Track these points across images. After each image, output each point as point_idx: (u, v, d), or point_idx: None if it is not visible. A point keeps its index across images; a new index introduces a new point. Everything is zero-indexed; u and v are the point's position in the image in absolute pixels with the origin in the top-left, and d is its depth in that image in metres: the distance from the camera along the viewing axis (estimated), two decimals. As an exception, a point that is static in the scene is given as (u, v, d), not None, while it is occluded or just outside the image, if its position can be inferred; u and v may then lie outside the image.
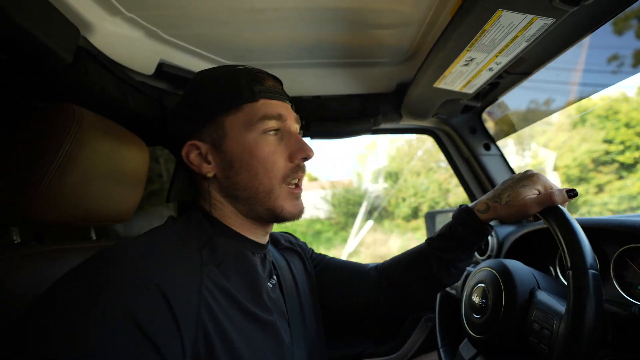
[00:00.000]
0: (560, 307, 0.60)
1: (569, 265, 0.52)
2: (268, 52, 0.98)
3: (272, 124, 0.58)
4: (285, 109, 0.60)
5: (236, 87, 0.57)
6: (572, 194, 0.62)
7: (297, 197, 0.61)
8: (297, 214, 0.60)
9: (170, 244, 0.48)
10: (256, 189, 0.56)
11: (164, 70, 0.93)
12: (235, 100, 0.57)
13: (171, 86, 1.02)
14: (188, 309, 0.42)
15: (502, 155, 1.35)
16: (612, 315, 0.60)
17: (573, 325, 0.49)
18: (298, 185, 0.61)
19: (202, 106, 0.58)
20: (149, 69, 0.92)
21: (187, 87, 0.63)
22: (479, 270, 0.84)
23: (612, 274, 0.79)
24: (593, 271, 0.51)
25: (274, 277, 0.64)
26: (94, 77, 0.77)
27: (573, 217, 0.58)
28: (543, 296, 0.66)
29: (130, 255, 0.43)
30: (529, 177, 0.65)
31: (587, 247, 0.53)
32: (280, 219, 0.59)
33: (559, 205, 0.60)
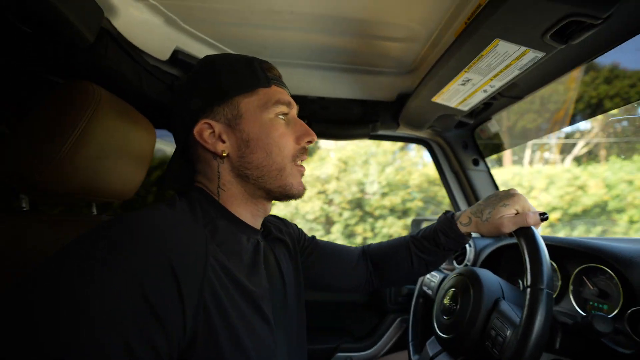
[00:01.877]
0: (516, 318, 0.67)
1: (528, 282, 0.59)
2: (281, 50, 1.03)
3: (284, 108, 0.62)
4: (290, 97, 0.65)
5: (253, 71, 0.61)
6: (544, 217, 0.67)
7: (302, 175, 0.66)
8: (303, 191, 0.65)
9: (180, 217, 0.49)
10: (269, 167, 0.60)
11: (178, 57, 0.97)
12: (252, 83, 0.60)
13: (183, 73, 1.06)
14: (192, 285, 0.42)
15: (489, 172, 1.43)
16: (562, 325, 0.67)
17: (522, 336, 0.55)
18: (302, 166, 0.66)
19: (218, 86, 0.60)
20: (164, 54, 0.96)
21: (196, 68, 0.64)
22: (454, 276, 0.91)
23: (570, 289, 0.87)
24: (547, 290, 0.57)
25: (265, 263, 0.66)
26: (113, 59, 0.80)
27: (542, 239, 0.63)
28: (504, 306, 0.72)
29: (144, 224, 0.43)
30: (510, 196, 0.70)
31: (548, 268, 0.59)
32: (289, 195, 0.63)
33: (532, 227, 0.65)
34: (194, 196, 0.60)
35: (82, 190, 0.72)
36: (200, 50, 1.00)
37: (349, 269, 0.88)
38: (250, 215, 0.64)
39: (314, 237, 0.92)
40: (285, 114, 0.63)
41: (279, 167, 0.60)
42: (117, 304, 0.36)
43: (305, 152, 0.65)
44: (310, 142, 0.64)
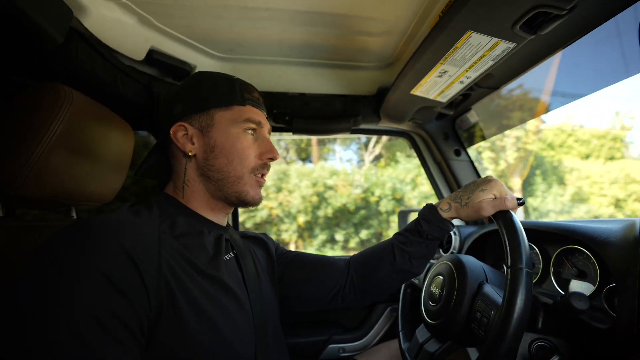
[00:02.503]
0: (499, 299, 0.69)
1: (508, 263, 0.60)
2: (257, 47, 1.02)
3: (252, 126, 0.70)
4: (263, 118, 0.73)
5: (232, 90, 0.69)
6: (520, 202, 0.71)
7: (260, 186, 0.72)
8: (258, 200, 0.71)
9: (128, 214, 0.56)
10: (228, 173, 0.67)
11: (154, 57, 0.95)
12: (229, 100, 0.69)
13: (160, 73, 1.04)
14: (150, 264, 0.49)
15: (471, 162, 1.46)
16: (544, 305, 0.69)
17: (504, 314, 0.57)
18: (263, 177, 0.73)
19: (200, 97, 0.68)
20: (140, 54, 0.94)
21: (187, 80, 0.73)
22: (440, 264, 0.93)
23: (551, 271, 0.90)
24: (526, 269, 0.58)
25: (231, 253, 0.71)
26: (84, 59, 0.78)
27: (519, 222, 0.65)
28: (488, 289, 0.75)
29: (97, 223, 0.49)
30: (487, 182, 0.74)
31: (526, 249, 0.61)
32: (244, 202, 0.70)
33: (510, 210, 0.68)
34: (152, 199, 0.66)
35: (59, 195, 0.70)
36: (176, 50, 0.99)
37: (327, 277, 0.86)
38: (210, 211, 0.70)
39: (289, 250, 0.94)
40: (254, 130, 0.70)
41: (238, 175, 0.68)
42: (82, 287, 0.42)
43: (265, 167, 0.72)
44: (271, 159, 0.72)
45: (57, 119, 0.65)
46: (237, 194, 0.68)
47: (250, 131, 0.70)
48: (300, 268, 0.87)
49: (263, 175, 0.73)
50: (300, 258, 0.89)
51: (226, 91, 0.69)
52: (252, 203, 0.71)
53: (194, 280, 0.55)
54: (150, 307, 0.47)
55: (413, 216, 1.70)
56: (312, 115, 1.25)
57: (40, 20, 0.64)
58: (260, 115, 0.72)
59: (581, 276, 0.84)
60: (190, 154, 0.67)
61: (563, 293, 0.78)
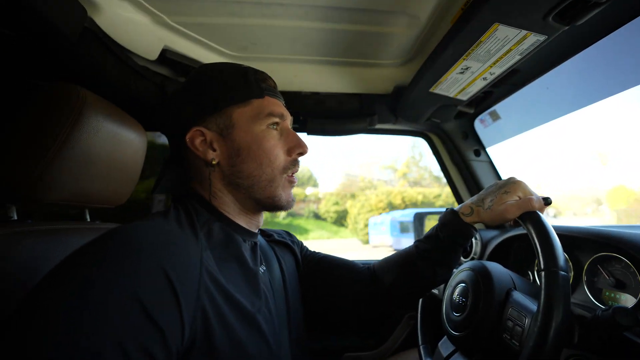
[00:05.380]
0: (532, 306, 0.64)
1: (541, 266, 0.56)
2: (271, 45, 1.00)
3: (276, 120, 0.62)
4: (284, 109, 0.66)
5: (245, 82, 0.62)
6: (548, 201, 0.66)
7: (292, 186, 0.66)
8: (291, 203, 0.65)
9: (174, 228, 0.50)
10: (259, 177, 0.60)
11: (167, 56, 0.94)
12: (245, 95, 0.61)
13: (173, 73, 1.03)
14: (189, 292, 0.43)
15: (491, 162, 1.40)
16: (579, 318, 0.64)
17: (543, 321, 0.52)
18: (293, 176, 0.66)
19: (210, 97, 0.61)
20: (153, 54, 0.93)
21: (190, 76, 0.65)
22: (461, 271, 0.88)
23: (584, 280, 0.84)
24: (563, 273, 0.54)
25: (263, 266, 0.66)
26: (98, 58, 0.78)
27: (548, 221, 0.61)
28: (518, 296, 0.70)
29: (138, 237, 0.43)
30: (510, 184, 0.69)
31: (560, 250, 0.56)
32: (277, 206, 0.63)
33: (537, 211, 0.64)
34: (191, 202, 0.60)
35: (71, 198, 0.69)
36: (189, 49, 0.97)
37: (352, 283, 0.81)
38: (243, 219, 0.64)
39: (315, 251, 0.90)
40: (277, 124, 0.63)
41: (269, 177, 0.61)
42: (113, 311, 0.37)
43: (296, 164, 0.65)
44: (301, 154, 0.65)
45: (71, 121, 0.64)
46: (269, 199, 0.62)
47: (274, 126, 0.62)
48: (326, 272, 0.83)
49: (293, 173, 0.66)
50: (327, 261, 0.85)
51: (241, 84, 0.61)
52: (285, 207, 0.64)
53: (230, 304, 0.49)
54: (183, 340, 0.42)
55: (429, 219, 1.66)
56: (326, 115, 1.22)
57: (54, 19, 0.63)
58: (280, 107, 0.64)
59: (619, 287, 0.78)
60: (213, 162, 0.60)
61: (603, 307, 0.72)
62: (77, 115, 0.64)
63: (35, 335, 0.35)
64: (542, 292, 0.54)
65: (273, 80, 0.68)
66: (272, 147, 0.61)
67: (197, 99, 0.61)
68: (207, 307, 0.45)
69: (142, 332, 0.38)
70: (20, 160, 0.62)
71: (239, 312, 0.50)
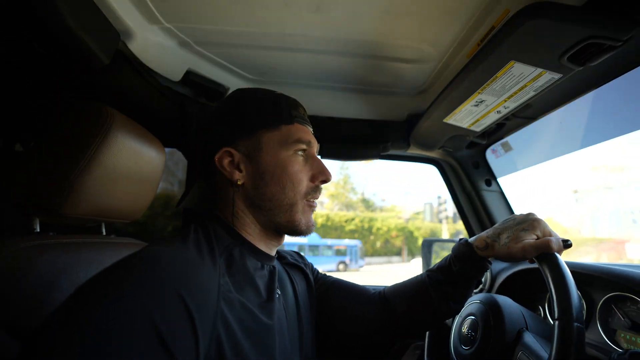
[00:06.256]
0: (544, 353, 0.62)
1: (556, 315, 0.54)
2: (291, 72, 1.03)
3: (303, 147, 0.64)
4: (312, 136, 0.67)
5: (278, 108, 0.64)
6: (567, 244, 0.63)
7: (313, 210, 0.66)
8: (311, 228, 0.65)
9: (194, 253, 0.50)
10: (281, 200, 0.61)
11: (190, 78, 0.98)
12: (276, 120, 0.63)
13: (194, 93, 1.07)
14: (206, 320, 0.43)
15: (502, 192, 1.39)
16: (593, 359, 0.62)
17: None
18: (314, 202, 0.66)
19: (244, 119, 0.63)
20: (177, 75, 0.97)
21: (227, 98, 0.68)
22: (471, 303, 0.87)
23: (597, 319, 0.82)
24: (578, 324, 0.52)
25: (278, 290, 0.66)
26: (126, 80, 0.81)
27: (567, 268, 0.59)
28: (529, 339, 0.68)
29: (158, 263, 0.44)
30: (530, 220, 0.66)
31: (576, 299, 0.54)
32: (297, 230, 0.63)
33: (555, 253, 0.61)
34: (209, 226, 0.60)
35: (93, 212, 0.71)
36: (211, 72, 1.01)
37: (363, 309, 0.80)
38: (264, 245, 0.64)
39: (326, 274, 0.89)
40: (304, 151, 0.65)
41: (291, 202, 0.62)
42: (129, 342, 0.36)
43: (318, 190, 0.66)
44: (324, 181, 0.66)
45: (97, 140, 0.66)
46: (289, 222, 0.62)
47: (300, 152, 0.64)
48: (338, 297, 0.82)
49: (314, 199, 0.66)
50: (338, 286, 0.84)
51: (272, 110, 0.63)
52: (304, 232, 0.64)
53: (244, 330, 0.49)
54: None
55: (437, 246, 1.64)
56: (341, 140, 1.24)
57: (90, 42, 0.67)
58: (309, 134, 0.66)
59: (635, 329, 0.76)
60: (238, 182, 0.61)
61: (618, 349, 0.70)
62: (104, 134, 0.67)
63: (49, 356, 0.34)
64: (555, 343, 0.52)
65: (304, 108, 0.69)
66: (297, 172, 0.62)
67: (231, 121, 0.63)
68: (222, 335, 0.45)
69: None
70: (47, 175, 0.64)
71: (253, 339, 0.50)
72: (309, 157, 0.66)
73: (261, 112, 0.63)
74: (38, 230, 0.69)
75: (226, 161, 0.61)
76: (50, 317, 0.38)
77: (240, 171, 0.61)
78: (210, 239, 0.56)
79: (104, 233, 0.84)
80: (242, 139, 0.62)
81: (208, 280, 0.47)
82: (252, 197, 0.62)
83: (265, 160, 0.61)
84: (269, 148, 0.62)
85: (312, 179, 0.64)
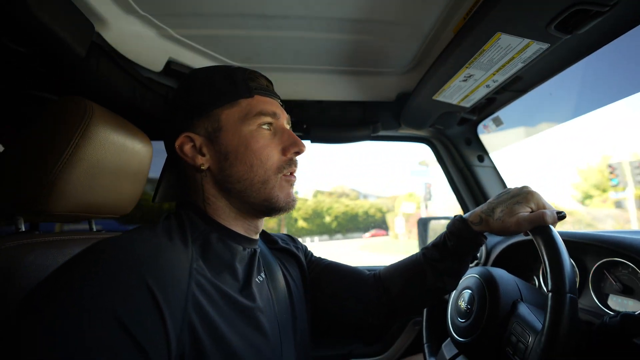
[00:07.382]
0: (537, 323, 0.63)
1: (549, 287, 0.55)
2: (275, 55, 1.01)
3: (267, 119, 0.60)
4: (278, 107, 0.63)
5: (232, 82, 0.60)
6: (561, 215, 0.63)
7: (292, 185, 0.63)
8: (291, 204, 0.62)
9: (163, 239, 0.48)
10: (251, 180, 0.58)
11: (172, 68, 0.96)
12: (231, 95, 0.59)
13: (177, 83, 1.04)
14: (176, 307, 0.42)
15: (494, 168, 1.40)
16: (586, 324, 0.64)
17: (545, 345, 0.52)
18: (292, 175, 0.63)
19: (197, 100, 0.59)
20: (158, 66, 0.94)
21: (180, 83, 0.64)
22: (467, 277, 0.88)
23: (590, 285, 0.84)
24: (571, 295, 0.53)
25: (263, 274, 0.64)
26: (105, 72, 0.79)
27: (561, 240, 0.59)
28: (524, 310, 0.69)
29: (122, 251, 0.42)
30: (524, 193, 0.65)
31: (570, 271, 0.55)
32: (274, 208, 0.60)
33: (550, 226, 0.61)
34: (185, 212, 0.59)
35: (79, 209, 0.70)
36: (194, 60, 0.99)
37: (358, 291, 0.80)
38: (240, 227, 0.62)
39: (320, 257, 0.88)
40: (269, 124, 0.61)
41: (262, 179, 0.58)
42: (93, 337, 0.35)
43: (293, 163, 0.62)
44: (297, 153, 0.62)
45: (78, 133, 0.65)
46: (265, 201, 0.59)
47: (265, 126, 0.60)
48: (332, 280, 0.81)
49: (292, 172, 0.62)
50: (332, 269, 0.83)
51: (227, 85, 0.59)
52: (284, 208, 0.61)
53: (221, 313, 0.48)
54: (170, 356, 0.40)
55: (433, 224, 1.65)
56: (330, 123, 1.22)
57: (63, 35, 0.65)
58: (273, 105, 0.61)
59: (627, 292, 0.78)
60: (202, 167, 0.58)
61: (610, 312, 0.72)
62: (84, 127, 0.65)
63: (10, 354, 0.33)
64: (548, 313, 0.53)
65: (266, 79, 0.66)
66: (263, 148, 0.58)
67: (185, 104, 0.60)
68: (194, 320, 0.43)
69: (122, 354, 0.36)
70: (29, 173, 0.63)
71: (232, 322, 0.49)
72: (277, 130, 0.62)
73: (215, 89, 0.59)
74: (23, 229, 0.68)
75: (187, 147, 0.59)
76: (17, 308, 0.37)
77: (204, 155, 0.59)
78: (184, 226, 0.55)
79: (94, 229, 0.84)
80: (200, 120, 0.58)
81: (178, 265, 0.45)
82: (221, 181, 0.59)
83: (227, 139, 0.58)
84: (230, 126, 0.58)
85: (284, 152, 0.61)
